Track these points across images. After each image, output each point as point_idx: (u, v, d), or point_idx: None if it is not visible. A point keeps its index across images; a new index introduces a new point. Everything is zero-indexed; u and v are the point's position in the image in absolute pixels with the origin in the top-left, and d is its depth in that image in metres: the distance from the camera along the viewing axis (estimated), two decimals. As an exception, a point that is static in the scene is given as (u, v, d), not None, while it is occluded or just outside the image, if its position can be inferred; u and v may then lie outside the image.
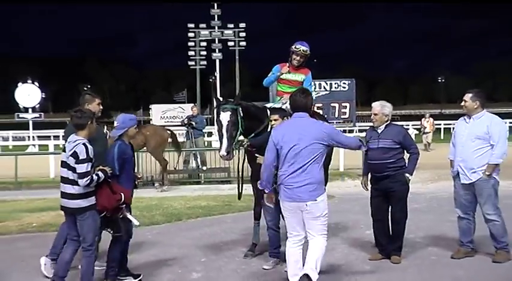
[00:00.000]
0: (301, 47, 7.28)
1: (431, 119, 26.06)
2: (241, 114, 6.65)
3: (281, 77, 7.44)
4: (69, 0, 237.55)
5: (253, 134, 6.84)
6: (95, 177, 5.52)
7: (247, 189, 7.29)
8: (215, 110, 6.85)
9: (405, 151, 6.68)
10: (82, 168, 5.46)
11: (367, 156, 6.80)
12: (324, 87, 16.13)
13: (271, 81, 7.57)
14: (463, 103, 6.69)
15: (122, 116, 6.17)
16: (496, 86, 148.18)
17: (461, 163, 6.59)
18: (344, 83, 16.30)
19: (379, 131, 6.67)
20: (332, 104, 15.97)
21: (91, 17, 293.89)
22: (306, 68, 7.47)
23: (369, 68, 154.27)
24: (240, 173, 7.08)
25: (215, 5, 46.15)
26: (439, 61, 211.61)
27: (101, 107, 6.67)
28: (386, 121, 6.69)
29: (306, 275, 5.21)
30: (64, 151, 5.71)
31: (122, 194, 5.73)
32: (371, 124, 7.08)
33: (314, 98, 7.78)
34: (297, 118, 5.51)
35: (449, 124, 41.39)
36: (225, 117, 6.58)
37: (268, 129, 6.65)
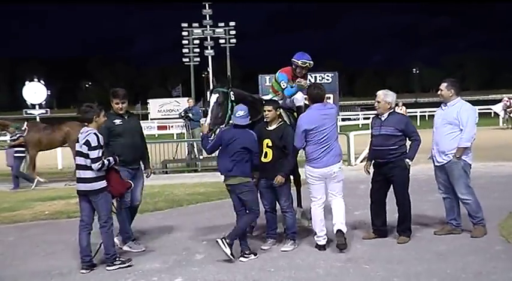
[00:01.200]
0: (307, 62, 7.20)
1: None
2: (233, 99, 6.61)
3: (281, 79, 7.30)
4: (70, 1, 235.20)
5: (249, 122, 6.78)
6: (105, 162, 5.93)
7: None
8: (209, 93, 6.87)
9: (407, 138, 6.57)
10: (94, 154, 5.85)
11: (371, 142, 6.74)
12: (309, 80, 16.04)
13: (293, 93, 7.30)
14: (439, 92, 6.70)
15: None
16: (465, 77, 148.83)
17: (435, 146, 6.65)
18: (328, 76, 16.29)
19: (383, 118, 6.58)
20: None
21: (91, 19, 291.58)
22: (304, 75, 7.39)
23: (349, 62, 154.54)
24: None
25: (207, 5, 45.99)
26: (413, 54, 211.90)
27: (120, 106, 6.73)
28: (389, 109, 6.59)
29: (339, 230, 6.24)
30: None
31: (130, 181, 6.30)
32: (357, 113, 7.09)
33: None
34: (318, 107, 6.29)
35: (424, 112, 41.75)
36: (213, 98, 6.62)
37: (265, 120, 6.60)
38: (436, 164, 6.69)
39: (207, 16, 46.57)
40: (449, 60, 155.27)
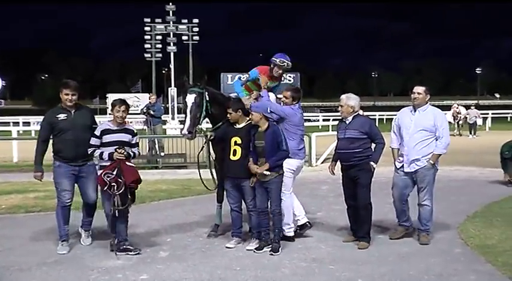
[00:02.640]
0: (285, 62, 7.19)
1: (360, 111, 26.54)
2: (207, 99, 6.61)
3: (260, 81, 7.26)
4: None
5: (219, 124, 6.77)
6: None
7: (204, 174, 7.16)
8: (183, 94, 6.80)
9: (371, 141, 6.59)
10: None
11: (337, 145, 6.80)
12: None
13: (240, 85, 7.31)
14: (416, 95, 6.64)
15: None
16: (422, 82, 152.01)
17: (407, 152, 6.59)
18: (289, 76, 16.29)
19: (347, 122, 6.61)
20: (278, 95, 16.08)
21: (50, 9, 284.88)
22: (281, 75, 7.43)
23: (309, 64, 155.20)
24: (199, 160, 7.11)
25: (170, 1, 45.60)
26: (372, 58, 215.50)
27: (70, 97, 6.37)
28: (353, 113, 6.60)
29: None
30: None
31: None
32: (316, 114, 7.23)
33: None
34: (298, 106, 6.89)
35: (382, 115, 42.53)
36: (190, 99, 6.57)
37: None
38: (407, 169, 6.63)
39: (171, 12, 46.14)
40: (407, 65, 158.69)
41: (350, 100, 6.62)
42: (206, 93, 6.64)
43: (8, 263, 5.94)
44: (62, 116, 6.36)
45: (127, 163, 6.23)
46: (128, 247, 6.31)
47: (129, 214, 6.47)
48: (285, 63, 7.21)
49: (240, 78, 7.40)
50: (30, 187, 11.07)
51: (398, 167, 6.77)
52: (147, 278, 5.50)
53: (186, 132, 6.53)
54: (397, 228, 6.91)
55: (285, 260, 6.00)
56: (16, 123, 33.96)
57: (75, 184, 6.53)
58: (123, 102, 6.41)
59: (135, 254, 6.22)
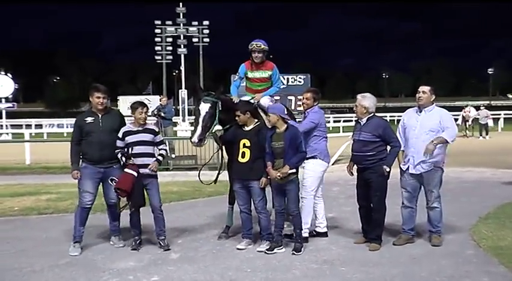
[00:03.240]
0: (257, 43, 7.18)
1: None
2: (220, 108, 6.60)
3: (250, 76, 7.35)
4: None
5: (226, 126, 6.78)
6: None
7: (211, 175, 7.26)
8: (196, 100, 6.81)
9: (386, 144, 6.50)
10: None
11: (352, 146, 6.73)
12: (282, 82, 16.23)
13: (236, 86, 7.43)
14: (421, 95, 6.52)
15: None
16: (432, 82, 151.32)
17: (414, 154, 6.46)
18: (300, 78, 16.34)
19: (362, 123, 6.53)
20: (289, 97, 16.07)
21: (61, 12, 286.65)
22: (269, 62, 7.36)
23: (319, 64, 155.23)
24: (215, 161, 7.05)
25: (180, 3, 45.71)
26: (382, 58, 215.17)
27: (101, 101, 6.61)
28: (367, 113, 6.49)
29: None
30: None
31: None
32: (327, 116, 7.22)
33: (280, 90, 7.79)
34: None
35: (393, 116, 42.36)
36: (204, 108, 6.55)
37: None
38: (413, 171, 6.52)
39: (181, 14, 46.25)
40: (417, 65, 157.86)
41: (364, 100, 6.50)
42: (219, 103, 6.63)
43: (21, 265, 5.99)
44: (89, 119, 6.59)
45: (127, 170, 6.43)
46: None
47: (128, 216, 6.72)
48: (260, 45, 7.16)
49: (234, 80, 7.53)
50: (42, 189, 11.18)
51: (404, 169, 6.64)
52: (158, 279, 5.52)
53: (196, 141, 6.51)
54: (401, 235, 6.71)
55: (296, 262, 5.99)
56: (28, 126, 34.19)
57: (100, 186, 6.68)
58: (143, 104, 6.65)
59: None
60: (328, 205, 8.35)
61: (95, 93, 6.58)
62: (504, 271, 5.61)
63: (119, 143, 6.54)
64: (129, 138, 6.51)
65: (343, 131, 21.58)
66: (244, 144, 6.47)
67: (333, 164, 15.69)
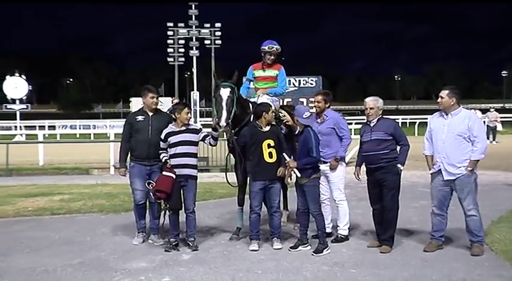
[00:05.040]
0: (274, 46, 7.30)
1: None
2: (237, 95, 6.72)
3: (257, 75, 7.46)
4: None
5: (237, 128, 6.82)
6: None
7: (221, 177, 7.32)
8: (214, 88, 6.88)
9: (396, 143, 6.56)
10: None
11: (362, 149, 6.74)
12: (293, 84, 16.25)
13: (246, 88, 7.63)
14: (439, 99, 6.42)
15: None
16: (445, 85, 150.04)
17: (444, 159, 6.32)
18: (312, 80, 16.43)
19: (372, 124, 6.60)
20: (300, 99, 16.10)
21: (72, 14, 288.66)
22: (277, 64, 7.46)
23: (331, 66, 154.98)
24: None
25: (193, 5, 45.87)
26: (394, 61, 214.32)
27: (155, 101, 6.91)
28: (379, 115, 6.63)
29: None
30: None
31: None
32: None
33: (284, 93, 7.81)
34: None
35: (405, 119, 42.18)
36: (225, 92, 6.65)
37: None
38: (446, 177, 6.33)
39: (193, 16, 46.43)
40: (430, 68, 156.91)
41: (378, 103, 6.63)
42: (236, 89, 6.74)
43: (34, 264, 6.05)
44: (140, 118, 6.89)
45: (165, 173, 6.52)
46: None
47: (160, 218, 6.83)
48: (274, 48, 7.28)
49: (247, 87, 7.71)
50: (55, 190, 11.29)
51: (434, 175, 6.50)
52: (169, 280, 5.55)
53: (225, 124, 6.52)
54: (432, 242, 6.54)
55: (307, 264, 5.99)
56: (42, 127, 34.47)
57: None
58: (187, 105, 6.89)
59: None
60: (334, 208, 8.36)
61: (148, 94, 6.90)
62: (516, 274, 5.57)
63: (162, 144, 6.68)
64: (172, 139, 6.62)
65: (354, 134, 21.45)
66: (269, 144, 6.53)
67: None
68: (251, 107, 7.06)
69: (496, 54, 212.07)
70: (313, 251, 6.36)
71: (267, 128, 6.61)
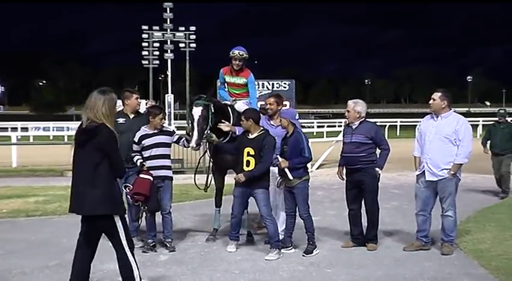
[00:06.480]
0: (238, 51, 7.26)
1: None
2: (212, 111, 6.63)
3: (227, 80, 7.48)
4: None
5: (227, 138, 6.82)
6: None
7: (200, 179, 7.30)
8: (188, 105, 6.87)
9: (377, 147, 6.61)
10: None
11: (342, 150, 6.81)
12: (267, 87, 16.26)
13: (223, 90, 7.59)
14: (431, 101, 6.43)
15: None
16: (414, 89, 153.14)
17: (429, 160, 6.37)
18: (285, 83, 16.45)
19: (353, 127, 6.64)
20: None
21: (47, 15, 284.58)
22: (246, 70, 7.42)
23: (303, 70, 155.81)
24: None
25: (168, 9, 45.63)
26: (364, 65, 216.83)
27: (139, 101, 6.93)
28: (360, 118, 6.63)
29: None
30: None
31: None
32: (311, 121, 7.23)
33: (257, 96, 7.83)
34: None
35: (375, 122, 42.65)
36: (197, 112, 6.55)
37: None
38: (429, 178, 6.40)
39: (168, 20, 46.21)
40: (399, 72, 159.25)
41: (357, 106, 6.64)
42: (212, 105, 6.65)
43: (11, 266, 5.95)
44: (121, 120, 6.80)
45: (142, 175, 6.43)
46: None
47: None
48: (237, 53, 7.23)
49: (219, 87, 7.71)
50: (30, 192, 11.13)
51: (418, 176, 6.55)
52: (148, 281, 5.52)
53: (194, 146, 6.52)
54: (414, 242, 6.63)
55: (283, 264, 6.04)
56: (14, 129, 33.88)
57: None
58: (161, 110, 6.88)
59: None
60: (313, 209, 8.30)
61: (133, 95, 6.91)
62: (484, 272, 5.72)
63: (135, 147, 6.63)
64: (147, 142, 6.59)
65: (326, 136, 21.68)
66: (248, 152, 6.35)
67: (317, 169, 15.83)
68: (231, 112, 7.09)
69: (462, 59, 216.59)
70: (303, 252, 6.37)
71: (254, 136, 6.40)
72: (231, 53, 7.27)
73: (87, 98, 4.67)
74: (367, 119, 6.77)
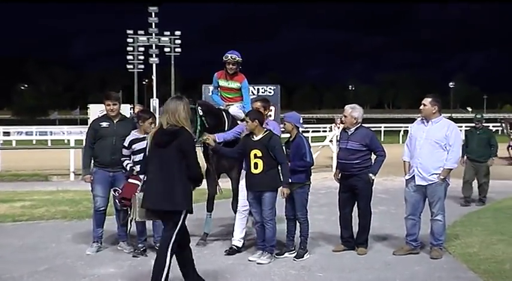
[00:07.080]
0: (232, 55, 7.27)
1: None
2: (201, 113, 6.61)
3: (221, 84, 7.47)
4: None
5: (222, 141, 6.79)
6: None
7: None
8: None
9: (372, 153, 6.62)
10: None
11: (338, 155, 6.85)
12: (252, 92, 16.28)
13: (217, 94, 7.55)
14: (422, 107, 6.48)
15: None
16: (397, 95, 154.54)
17: (419, 165, 6.41)
18: (270, 89, 16.32)
19: (349, 132, 6.66)
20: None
21: (30, 17, 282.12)
22: (240, 75, 7.43)
23: (287, 75, 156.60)
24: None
25: (153, 13, 45.55)
26: (347, 71, 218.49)
27: (111, 107, 6.77)
28: (356, 124, 6.63)
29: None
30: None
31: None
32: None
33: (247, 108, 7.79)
34: None
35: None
36: None
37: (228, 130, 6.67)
38: (419, 183, 6.44)
39: (153, 24, 46.12)
40: (382, 78, 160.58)
41: (354, 111, 6.64)
42: (199, 108, 6.63)
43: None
44: (104, 124, 6.78)
45: (130, 180, 6.41)
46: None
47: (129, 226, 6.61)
48: (236, 58, 7.25)
49: (211, 91, 7.68)
50: (15, 197, 10.98)
51: (408, 181, 6.59)
52: (139, 285, 5.49)
53: None
54: (404, 246, 6.68)
55: (275, 268, 6.04)
56: (-5, 133, 33.47)
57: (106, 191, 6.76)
58: (152, 114, 6.79)
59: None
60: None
61: (105, 101, 6.80)
62: (473, 276, 5.78)
63: (125, 152, 6.60)
64: (137, 146, 6.55)
65: (312, 141, 21.69)
66: (255, 154, 6.24)
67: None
68: (225, 115, 7.09)
69: (445, 65, 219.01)
70: (294, 257, 6.38)
71: (259, 137, 6.28)
72: (224, 57, 7.27)
73: (163, 104, 5.06)
74: (363, 125, 6.77)
